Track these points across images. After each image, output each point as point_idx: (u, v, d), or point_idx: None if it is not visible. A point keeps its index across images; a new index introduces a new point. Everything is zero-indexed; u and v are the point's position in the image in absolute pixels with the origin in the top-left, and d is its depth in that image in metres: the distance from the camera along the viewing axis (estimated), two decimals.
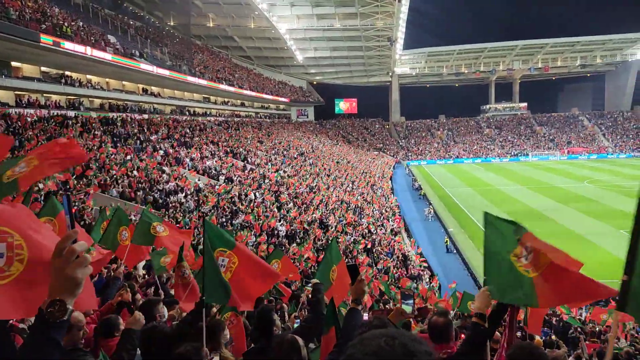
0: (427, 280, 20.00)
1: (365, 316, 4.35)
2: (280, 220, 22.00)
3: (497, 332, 5.59)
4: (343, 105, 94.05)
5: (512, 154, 74.20)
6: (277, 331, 5.03)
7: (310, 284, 8.39)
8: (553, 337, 10.03)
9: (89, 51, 24.91)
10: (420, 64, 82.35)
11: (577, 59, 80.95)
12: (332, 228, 23.66)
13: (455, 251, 25.25)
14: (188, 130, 34.34)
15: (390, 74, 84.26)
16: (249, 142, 41.20)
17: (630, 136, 76.13)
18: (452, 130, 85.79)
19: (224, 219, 19.33)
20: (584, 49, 77.92)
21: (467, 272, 21.87)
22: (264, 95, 62.76)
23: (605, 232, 26.11)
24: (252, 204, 22.76)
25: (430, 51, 76.25)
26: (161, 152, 25.95)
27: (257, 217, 20.89)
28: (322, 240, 21.43)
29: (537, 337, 8.73)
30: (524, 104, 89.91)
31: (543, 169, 58.45)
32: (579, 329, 11.02)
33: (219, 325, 3.57)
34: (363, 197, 34.75)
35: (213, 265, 3.69)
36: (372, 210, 31.29)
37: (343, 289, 5.09)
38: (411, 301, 3.22)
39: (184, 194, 20.51)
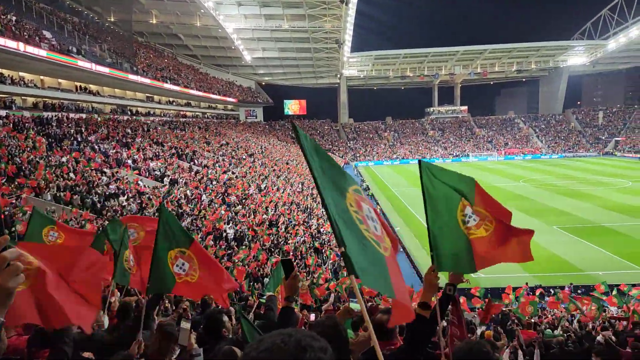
0: None
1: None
2: (228, 223, 21.62)
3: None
4: (292, 106, 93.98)
5: (454, 154, 77.25)
6: (228, 334, 4.93)
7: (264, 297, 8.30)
8: (499, 328, 10.51)
9: (21, 47, 23.40)
10: (367, 66, 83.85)
11: (513, 64, 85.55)
12: (281, 229, 23.57)
13: (401, 249, 25.87)
14: (130, 131, 32.98)
15: (338, 76, 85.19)
16: (195, 142, 40.18)
17: (562, 138, 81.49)
18: (398, 132, 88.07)
19: None
20: (520, 55, 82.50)
21: (413, 270, 22.47)
22: (211, 95, 61.48)
23: (539, 229, 27.70)
24: (198, 206, 22.21)
25: (377, 54, 77.84)
26: (100, 153, 24.74)
27: (204, 219, 20.41)
28: (273, 241, 21.30)
29: (487, 331, 9.12)
30: (465, 107, 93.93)
31: (482, 169, 61.27)
32: (515, 320, 11.63)
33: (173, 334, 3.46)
34: (312, 198, 34.87)
35: (162, 257, 3.76)
36: (322, 211, 31.47)
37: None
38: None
39: (125, 197, 19.67)
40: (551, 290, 18.41)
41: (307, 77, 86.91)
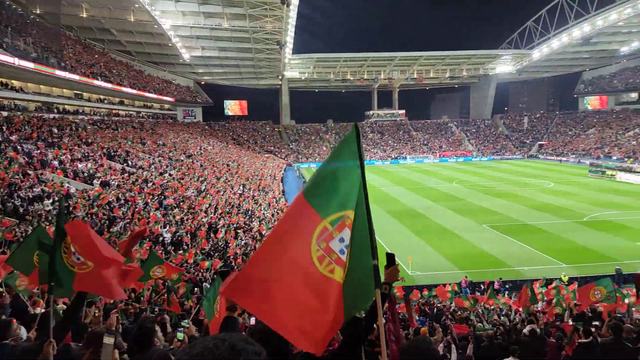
0: None
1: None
2: (165, 226, 20.84)
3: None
4: (233, 107, 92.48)
5: (393, 157, 79.58)
6: (159, 344, 4.70)
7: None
8: (434, 323, 10.88)
9: None
10: (309, 69, 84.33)
11: (447, 71, 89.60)
12: (222, 232, 23.06)
13: None
14: (56, 130, 30.88)
15: (280, 77, 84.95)
16: (129, 143, 38.37)
17: (491, 141, 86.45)
18: (340, 134, 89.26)
19: (98, 226, 17.70)
20: (453, 63, 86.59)
21: None
22: (147, 94, 59.04)
23: (470, 227, 29.24)
24: (132, 209, 21.21)
25: (318, 57, 78.50)
26: (23, 154, 22.94)
27: (138, 223, 19.51)
28: (212, 244, 20.77)
29: (422, 327, 9.40)
30: (403, 111, 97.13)
31: (419, 171, 63.62)
32: (449, 316, 12.13)
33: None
34: (254, 200, 34.48)
35: (57, 251, 3.69)
36: (264, 213, 31.18)
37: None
38: None
39: (50, 200, 18.37)
40: (481, 285, 19.43)
41: (248, 78, 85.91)
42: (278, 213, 32.20)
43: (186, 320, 7.06)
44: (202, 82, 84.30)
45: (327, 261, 2.25)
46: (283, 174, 59.84)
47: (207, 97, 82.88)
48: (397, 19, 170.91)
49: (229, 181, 39.13)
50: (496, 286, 18.60)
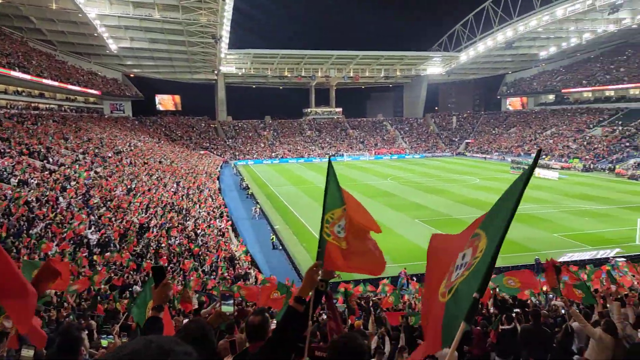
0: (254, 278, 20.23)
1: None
2: (90, 227, 19.63)
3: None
4: (165, 102, 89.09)
5: (330, 154, 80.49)
6: (85, 353, 4.43)
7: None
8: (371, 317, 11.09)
9: None
10: (246, 64, 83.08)
11: (381, 71, 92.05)
12: (153, 232, 22.12)
13: (280, 247, 26.16)
14: None
15: (215, 72, 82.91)
16: (50, 138, 35.71)
17: (423, 139, 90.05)
18: (278, 131, 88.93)
19: (16, 228, 16.32)
20: (387, 63, 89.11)
21: (291, 267, 22.86)
22: (70, 86, 55.23)
23: (404, 222, 30.30)
24: (51, 209, 19.76)
25: (255, 53, 77.54)
26: None
27: (61, 224, 18.23)
28: (141, 246, 19.88)
29: (357, 321, 9.56)
30: (340, 109, 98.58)
31: (355, 167, 64.91)
32: (384, 309, 12.47)
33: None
34: (189, 199, 33.42)
35: None
36: (199, 212, 30.32)
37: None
38: (231, 301, 3.11)
39: None
40: (414, 277, 20.20)
41: (182, 72, 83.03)
42: (214, 211, 31.48)
43: (111, 336, 6.66)
44: (132, 75, 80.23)
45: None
46: (219, 171, 58.58)
47: (137, 90, 78.96)
48: (334, 18, 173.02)
49: (161, 179, 37.63)
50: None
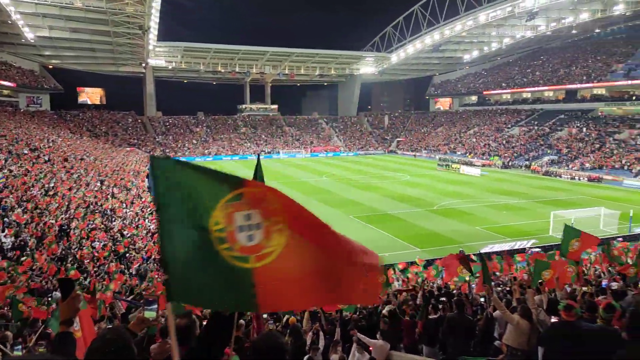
0: None
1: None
2: (4, 230, 18.00)
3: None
4: (88, 95, 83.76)
5: (266, 151, 79.97)
6: None
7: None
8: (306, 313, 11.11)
9: None
10: (176, 58, 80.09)
11: (316, 69, 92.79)
12: (75, 234, 20.71)
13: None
14: None
15: (143, 65, 79.14)
16: None
17: (357, 137, 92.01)
18: (211, 128, 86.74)
19: None
20: (322, 61, 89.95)
21: None
22: None
23: (339, 218, 30.79)
24: None
25: (186, 46, 74.99)
26: None
27: None
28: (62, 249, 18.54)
29: (292, 317, 9.54)
30: (275, 106, 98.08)
31: (291, 165, 65.00)
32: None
33: None
34: (115, 198, 31.65)
35: None
36: (126, 212, 28.81)
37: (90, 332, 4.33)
38: (155, 306, 2.96)
39: None
40: None
41: (106, 64, 78.38)
42: (143, 211, 30.10)
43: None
44: (50, 67, 74.51)
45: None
46: (148, 169, 56.07)
47: (56, 83, 73.42)
48: (270, 15, 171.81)
49: (84, 177, 35.32)
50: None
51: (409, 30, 77.82)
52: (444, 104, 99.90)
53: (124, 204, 30.51)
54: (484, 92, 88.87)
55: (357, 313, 10.08)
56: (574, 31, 74.62)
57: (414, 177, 51.74)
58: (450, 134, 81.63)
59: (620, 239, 22.11)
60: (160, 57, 78.52)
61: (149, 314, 2.78)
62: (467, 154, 69.05)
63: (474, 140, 74.29)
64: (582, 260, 11.65)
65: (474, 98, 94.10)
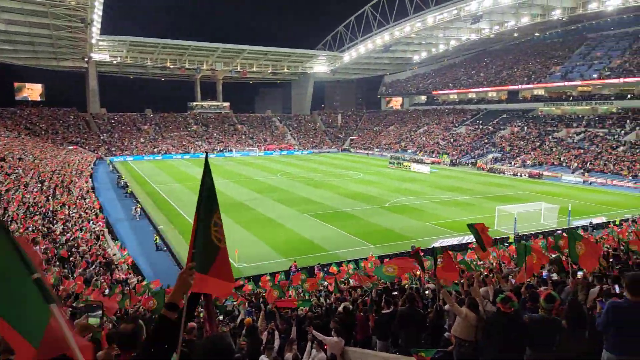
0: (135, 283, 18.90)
1: None
2: None
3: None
4: (26, 91, 78.89)
5: (218, 150, 78.58)
6: None
7: None
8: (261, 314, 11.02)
9: None
10: (122, 52, 77.00)
11: (269, 66, 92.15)
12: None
13: (165, 248, 24.81)
14: None
15: (86, 59, 75.53)
16: None
17: (311, 136, 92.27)
18: (160, 125, 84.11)
19: None
20: (275, 59, 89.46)
21: (178, 269, 21.81)
22: None
23: (293, 216, 30.78)
24: None
25: (132, 40, 72.23)
26: None
27: None
28: None
29: (247, 318, 9.42)
30: (227, 104, 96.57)
31: (245, 163, 64.23)
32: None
33: None
34: (56, 200, 29.99)
35: None
36: (69, 214, 27.37)
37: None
38: (99, 312, 2.82)
39: None
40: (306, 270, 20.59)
41: (46, 58, 74.11)
42: (87, 213, 28.74)
43: None
44: None
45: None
46: (93, 168, 53.64)
47: None
48: (221, 11, 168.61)
49: (22, 178, 33.25)
50: (316, 270, 19.96)
51: (361, 30, 79.03)
52: (395, 103, 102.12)
53: (67, 206, 28.99)
54: (433, 92, 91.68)
55: (312, 311, 10.13)
56: (515, 34, 78.55)
57: (367, 175, 52.55)
58: (401, 133, 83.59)
59: (559, 231, 23.51)
60: (105, 51, 75.25)
61: (93, 321, 2.62)
62: (418, 152, 71.00)
63: (424, 138, 76.49)
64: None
65: (424, 98, 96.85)
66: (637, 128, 51.97)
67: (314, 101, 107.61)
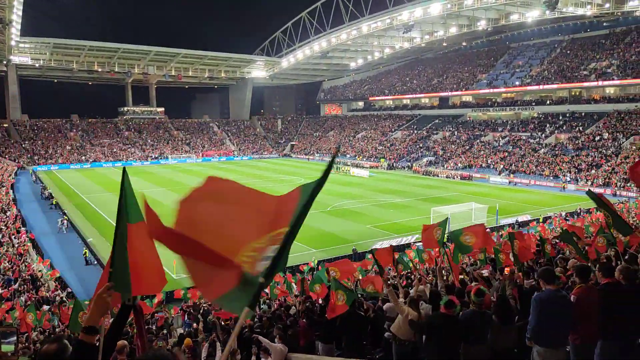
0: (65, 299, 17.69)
1: None
2: None
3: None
4: None
5: (153, 157, 75.60)
6: None
7: None
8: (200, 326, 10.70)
9: None
10: (45, 55, 72.04)
11: (206, 71, 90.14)
12: None
13: (96, 262, 23.45)
14: None
15: (5, 62, 69.90)
16: None
17: (250, 141, 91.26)
18: (88, 132, 79.53)
19: None
20: (211, 63, 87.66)
21: None
22: None
23: None
24: None
25: (56, 42, 67.77)
26: None
27: None
28: None
29: (187, 339, 9.11)
30: (162, 109, 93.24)
31: (182, 170, 62.27)
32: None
33: None
34: None
35: None
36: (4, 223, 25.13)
37: None
38: (14, 338, 2.57)
39: None
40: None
41: None
42: (8, 226, 26.54)
43: None
44: None
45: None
46: (14, 179, 49.68)
47: None
48: (153, 12, 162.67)
49: None
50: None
51: (298, 36, 79.57)
52: (332, 109, 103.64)
53: None
54: (370, 98, 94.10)
55: (254, 319, 10.00)
56: (444, 44, 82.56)
57: (308, 180, 52.56)
58: (341, 138, 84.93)
59: (488, 229, 24.90)
60: (26, 53, 70.10)
61: (7, 348, 2.35)
62: (357, 157, 72.44)
63: (363, 143, 78.22)
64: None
65: (361, 104, 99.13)
66: (556, 132, 56.41)
67: (253, 106, 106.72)
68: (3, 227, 26.10)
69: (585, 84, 58.81)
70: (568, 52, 67.67)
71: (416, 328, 5.72)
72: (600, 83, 57.13)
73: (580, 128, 54.39)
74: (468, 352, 5.28)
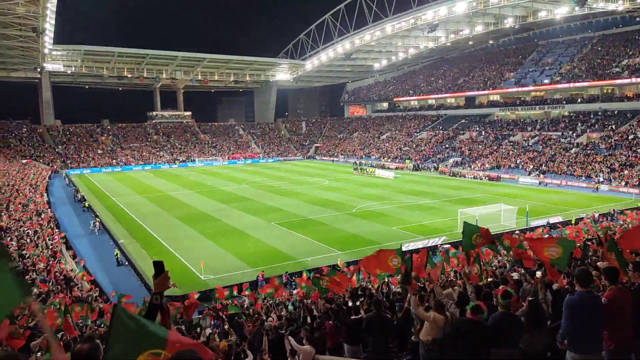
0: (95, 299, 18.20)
1: None
2: None
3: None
4: None
5: (181, 160, 77.06)
6: None
7: None
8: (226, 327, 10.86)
9: None
10: (76, 62, 74.43)
11: (231, 75, 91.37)
12: None
13: (127, 263, 24.06)
14: None
15: (38, 69, 72.54)
16: None
17: (275, 144, 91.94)
18: (118, 136, 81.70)
19: None
20: (236, 67, 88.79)
21: (140, 283, 21.20)
22: None
23: (260, 225, 30.53)
24: None
25: (86, 49, 69.89)
26: None
27: None
28: None
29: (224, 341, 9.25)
30: (189, 113, 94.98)
31: (208, 173, 63.23)
32: (242, 315, 12.36)
33: None
34: (9, 215, 28.53)
35: None
36: (23, 230, 26.10)
37: None
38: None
39: None
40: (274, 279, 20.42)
41: None
42: (43, 228, 27.50)
43: None
44: None
45: None
46: (48, 182, 51.47)
47: None
48: (180, 20, 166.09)
49: None
50: (284, 279, 19.84)
51: (322, 39, 79.68)
52: (357, 110, 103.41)
53: (21, 222, 27.67)
54: (394, 99, 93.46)
55: (281, 319, 10.07)
56: (470, 42, 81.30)
57: (332, 181, 52.82)
58: (365, 139, 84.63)
59: (517, 232, 24.35)
60: (58, 61, 72.57)
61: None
62: (381, 158, 72.03)
63: (387, 144, 77.71)
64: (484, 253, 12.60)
65: (385, 104, 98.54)
66: (588, 130, 54.74)
67: (278, 109, 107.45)
68: (38, 229, 27.07)
69: (618, 81, 56.86)
70: (599, 48, 65.60)
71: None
72: (633, 80, 55.13)
73: (613, 126, 52.61)
74: (498, 356, 5.19)
